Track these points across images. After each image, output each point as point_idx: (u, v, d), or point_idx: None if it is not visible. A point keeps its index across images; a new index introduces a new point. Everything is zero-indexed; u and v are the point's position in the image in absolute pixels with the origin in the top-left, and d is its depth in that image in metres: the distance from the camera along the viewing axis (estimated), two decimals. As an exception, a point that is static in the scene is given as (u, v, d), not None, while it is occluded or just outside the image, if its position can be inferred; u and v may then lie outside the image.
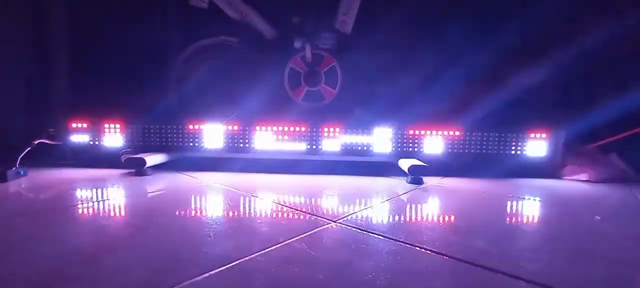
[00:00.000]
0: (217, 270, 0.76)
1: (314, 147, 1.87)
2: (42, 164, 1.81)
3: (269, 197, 1.39)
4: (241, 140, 1.88)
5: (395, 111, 1.99)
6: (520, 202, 1.41)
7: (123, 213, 1.19)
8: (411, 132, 1.87)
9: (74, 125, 1.88)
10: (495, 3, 2.05)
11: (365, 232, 1.01)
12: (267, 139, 1.88)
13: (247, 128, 1.87)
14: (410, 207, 1.33)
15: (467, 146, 1.87)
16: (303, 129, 1.87)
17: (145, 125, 1.88)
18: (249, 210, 1.24)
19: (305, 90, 2.08)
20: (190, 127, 1.88)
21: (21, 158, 1.66)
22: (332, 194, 1.47)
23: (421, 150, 1.87)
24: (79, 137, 1.89)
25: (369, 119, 1.93)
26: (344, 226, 1.07)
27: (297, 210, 1.22)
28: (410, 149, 1.87)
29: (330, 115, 2.03)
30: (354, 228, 1.04)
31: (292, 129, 1.87)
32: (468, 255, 0.86)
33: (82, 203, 1.27)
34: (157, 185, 1.56)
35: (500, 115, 1.92)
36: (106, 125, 1.88)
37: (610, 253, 0.94)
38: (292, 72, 2.07)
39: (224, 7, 2.03)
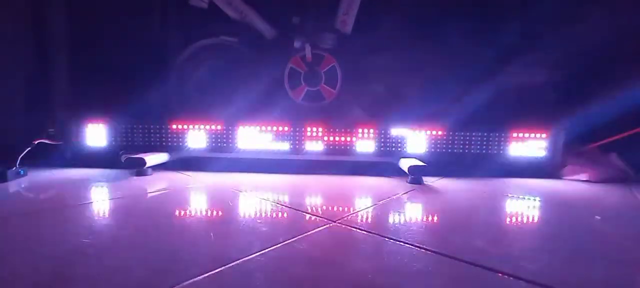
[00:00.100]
0: (217, 270, 0.76)
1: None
2: (42, 164, 1.81)
3: (267, 196, 1.39)
4: (235, 140, 1.89)
5: (395, 111, 2.00)
6: (519, 202, 1.41)
7: (123, 213, 1.19)
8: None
9: (72, 124, 1.88)
10: (495, 3, 2.05)
11: (370, 233, 1.02)
12: (264, 139, 1.89)
13: (238, 127, 1.89)
14: (405, 208, 1.33)
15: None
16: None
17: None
18: (255, 210, 1.24)
19: (305, 90, 2.08)
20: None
21: (21, 158, 1.67)
22: (340, 195, 1.47)
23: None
24: (79, 137, 1.89)
25: (368, 118, 1.94)
26: (343, 226, 1.07)
27: (294, 209, 1.22)
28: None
29: (330, 115, 2.03)
30: (353, 228, 1.05)
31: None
32: (469, 255, 0.87)
33: (82, 203, 1.27)
34: (158, 184, 1.56)
35: (499, 115, 1.93)
36: (105, 125, 1.89)
37: (611, 253, 0.94)
38: (292, 72, 2.07)
39: (224, 7, 2.03)
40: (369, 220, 1.15)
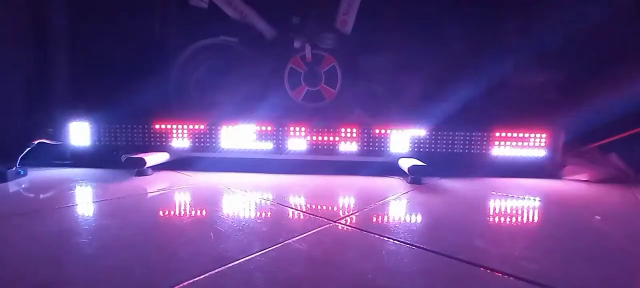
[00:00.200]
0: (217, 269, 0.76)
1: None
2: (42, 164, 1.81)
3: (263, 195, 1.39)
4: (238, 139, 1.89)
5: (395, 110, 2.00)
6: (521, 202, 1.42)
7: (123, 212, 1.19)
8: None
9: (72, 125, 1.89)
10: (495, 3, 2.05)
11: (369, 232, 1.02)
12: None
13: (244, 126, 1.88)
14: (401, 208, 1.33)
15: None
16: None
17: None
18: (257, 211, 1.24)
19: (305, 90, 2.08)
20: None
21: (21, 158, 1.67)
22: (343, 194, 1.47)
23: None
24: (78, 137, 1.90)
25: (368, 118, 1.94)
26: (345, 226, 1.07)
27: (291, 207, 1.22)
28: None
29: (330, 115, 2.03)
30: (356, 229, 1.05)
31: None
32: (469, 255, 0.87)
33: (82, 203, 1.27)
34: (159, 184, 1.56)
35: (497, 115, 1.93)
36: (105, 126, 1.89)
37: (610, 253, 0.94)
38: (292, 72, 2.07)
39: (224, 7, 2.03)
40: (370, 220, 1.15)
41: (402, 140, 1.87)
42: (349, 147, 1.89)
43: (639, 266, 0.89)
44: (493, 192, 1.56)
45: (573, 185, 1.72)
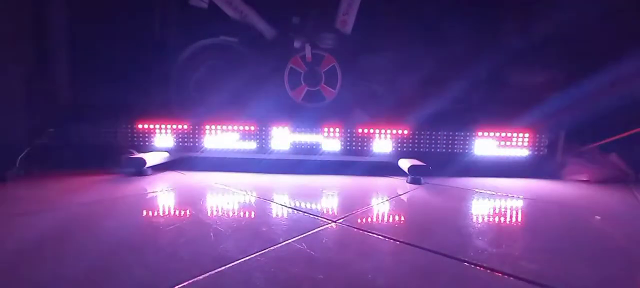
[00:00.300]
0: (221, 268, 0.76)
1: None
2: (42, 164, 1.80)
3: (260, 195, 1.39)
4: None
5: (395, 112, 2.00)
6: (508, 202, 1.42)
7: (128, 212, 1.20)
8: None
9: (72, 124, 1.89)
10: (495, 3, 2.05)
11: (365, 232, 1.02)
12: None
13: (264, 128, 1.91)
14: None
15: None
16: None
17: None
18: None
19: (305, 90, 2.08)
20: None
21: (21, 158, 1.66)
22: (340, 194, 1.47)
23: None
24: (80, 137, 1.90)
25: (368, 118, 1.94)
26: (345, 225, 1.07)
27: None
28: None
29: (330, 115, 2.03)
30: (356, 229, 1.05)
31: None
32: (467, 255, 0.87)
33: (82, 203, 1.27)
34: (158, 185, 1.56)
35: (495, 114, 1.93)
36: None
37: (611, 253, 0.94)
38: (292, 72, 2.07)
39: (224, 7, 2.03)
40: (370, 219, 1.15)
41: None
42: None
43: (639, 266, 0.89)
44: (492, 192, 1.56)
45: (573, 185, 1.72)
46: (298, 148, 1.90)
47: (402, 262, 0.86)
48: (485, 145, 1.87)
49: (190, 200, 1.36)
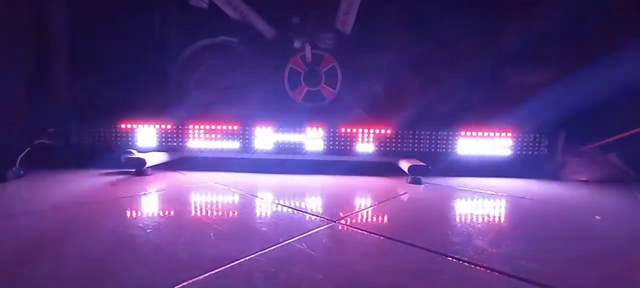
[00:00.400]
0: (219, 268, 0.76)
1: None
2: (42, 164, 1.80)
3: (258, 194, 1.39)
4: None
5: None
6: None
7: (129, 211, 1.20)
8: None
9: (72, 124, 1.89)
10: (496, 4, 2.05)
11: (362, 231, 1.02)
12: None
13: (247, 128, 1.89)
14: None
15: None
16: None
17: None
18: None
19: (305, 90, 2.08)
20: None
21: (21, 158, 1.66)
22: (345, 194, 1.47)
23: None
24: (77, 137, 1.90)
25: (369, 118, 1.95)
26: (346, 225, 1.07)
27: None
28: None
29: (330, 115, 2.03)
30: (356, 229, 1.05)
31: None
32: (467, 255, 0.87)
33: (82, 203, 1.27)
34: (158, 185, 1.56)
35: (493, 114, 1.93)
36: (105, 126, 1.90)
37: (611, 253, 0.94)
38: (292, 72, 2.07)
39: (224, 7, 2.03)
40: (370, 219, 1.15)
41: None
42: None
43: (638, 266, 0.89)
44: (491, 192, 1.56)
45: (573, 185, 1.73)
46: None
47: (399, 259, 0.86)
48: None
49: (191, 199, 1.36)
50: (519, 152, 1.87)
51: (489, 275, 0.78)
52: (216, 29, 2.08)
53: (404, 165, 1.74)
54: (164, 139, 1.91)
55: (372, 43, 2.10)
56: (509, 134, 1.86)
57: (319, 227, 1.04)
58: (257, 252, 0.86)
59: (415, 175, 1.68)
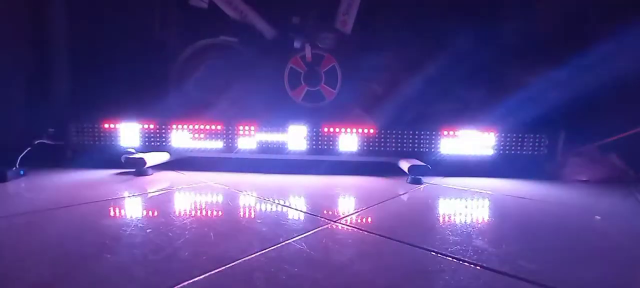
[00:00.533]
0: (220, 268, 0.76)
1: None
2: (42, 164, 1.80)
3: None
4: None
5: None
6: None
7: (129, 211, 1.20)
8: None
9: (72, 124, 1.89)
10: (496, 3, 2.05)
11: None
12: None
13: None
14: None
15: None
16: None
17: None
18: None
19: (305, 90, 2.08)
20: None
21: (21, 158, 1.66)
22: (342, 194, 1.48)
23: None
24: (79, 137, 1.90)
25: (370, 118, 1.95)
26: (346, 225, 1.07)
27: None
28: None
29: (330, 115, 2.03)
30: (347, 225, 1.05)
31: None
32: (468, 255, 0.87)
33: (82, 202, 1.27)
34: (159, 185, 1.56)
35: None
36: (107, 126, 1.90)
37: (611, 253, 0.94)
38: (292, 72, 2.07)
39: (224, 7, 2.03)
40: (368, 220, 1.15)
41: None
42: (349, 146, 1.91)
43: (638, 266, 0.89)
44: (490, 192, 1.56)
45: (573, 185, 1.73)
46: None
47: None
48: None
49: (191, 199, 1.36)
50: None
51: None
52: (216, 29, 2.08)
53: (404, 165, 1.74)
54: (164, 139, 1.91)
55: (372, 43, 2.10)
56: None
57: (317, 228, 1.05)
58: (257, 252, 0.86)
59: (416, 175, 1.68)
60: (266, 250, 0.87)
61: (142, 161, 1.70)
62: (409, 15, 2.06)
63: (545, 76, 1.93)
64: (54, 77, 2.13)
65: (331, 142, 1.89)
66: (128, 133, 1.90)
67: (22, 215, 1.12)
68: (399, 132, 1.89)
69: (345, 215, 1.18)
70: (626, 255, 0.95)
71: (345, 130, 1.89)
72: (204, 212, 1.21)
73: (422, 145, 1.89)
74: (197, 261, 0.81)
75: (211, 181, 1.63)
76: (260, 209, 1.25)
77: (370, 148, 1.89)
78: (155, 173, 1.77)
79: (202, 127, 1.90)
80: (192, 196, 1.40)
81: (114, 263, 0.81)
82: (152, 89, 2.06)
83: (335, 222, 1.10)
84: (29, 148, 1.73)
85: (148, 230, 1.01)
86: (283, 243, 0.92)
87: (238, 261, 0.81)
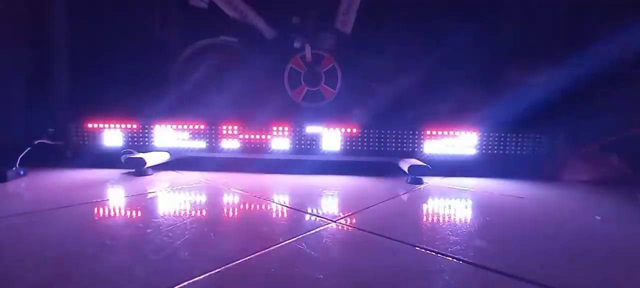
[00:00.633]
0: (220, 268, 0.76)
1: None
2: (42, 164, 1.81)
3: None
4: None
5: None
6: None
7: (130, 211, 1.20)
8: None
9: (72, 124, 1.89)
10: (497, 3, 2.05)
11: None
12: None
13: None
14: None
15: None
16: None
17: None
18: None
19: (305, 90, 2.08)
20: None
21: (21, 158, 1.66)
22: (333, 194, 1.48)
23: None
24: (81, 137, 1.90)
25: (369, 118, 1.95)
26: (343, 225, 1.07)
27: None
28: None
29: (330, 115, 2.03)
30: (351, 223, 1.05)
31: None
32: (467, 254, 0.87)
33: (82, 203, 1.27)
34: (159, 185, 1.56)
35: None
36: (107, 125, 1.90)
37: (611, 253, 0.94)
38: (292, 72, 2.07)
39: (224, 7, 2.03)
40: (372, 219, 1.15)
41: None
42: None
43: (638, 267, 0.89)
44: (489, 191, 1.56)
45: (573, 186, 1.73)
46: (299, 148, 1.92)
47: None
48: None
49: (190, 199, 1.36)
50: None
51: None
52: (216, 29, 2.08)
53: (404, 165, 1.74)
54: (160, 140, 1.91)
55: (372, 43, 2.10)
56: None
57: (320, 227, 1.05)
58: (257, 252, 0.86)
59: (416, 175, 1.68)
60: (266, 250, 0.87)
61: (142, 161, 1.70)
62: (409, 15, 2.06)
63: (545, 76, 1.94)
64: (54, 77, 2.14)
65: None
66: (128, 133, 1.89)
67: (22, 215, 1.12)
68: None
69: (345, 215, 1.18)
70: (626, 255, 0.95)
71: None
72: (204, 212, 1.21)
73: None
74: (198, 261, 0.81)
75: (212, 181, 1.63)
76: (261, 209, 1.25)
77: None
78: (155, 174, 1.77)
79: (201, 127, 1.89)
80: (192, 196, 1.40)
81: (114, 263, 0.81)
82: (152, 89, 2.06)
83: (335, 221, 1.10)
84: (29, 149, 1.73)
85: (148, 230, 1.01)
86: (283, 244, 0.92)
87: (245, 258, 0.81)
